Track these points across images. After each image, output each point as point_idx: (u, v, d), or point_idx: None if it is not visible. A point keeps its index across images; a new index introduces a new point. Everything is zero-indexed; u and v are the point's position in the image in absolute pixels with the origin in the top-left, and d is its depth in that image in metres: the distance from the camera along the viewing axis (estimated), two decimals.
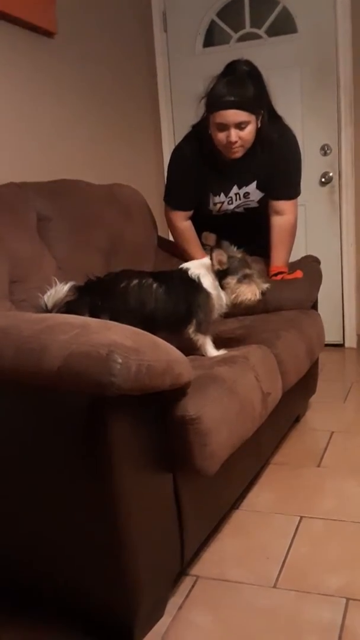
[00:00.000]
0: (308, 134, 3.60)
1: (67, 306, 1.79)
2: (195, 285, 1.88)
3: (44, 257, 2.06)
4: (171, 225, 2.68)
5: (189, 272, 1.90)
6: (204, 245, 2.67)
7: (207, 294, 1.88)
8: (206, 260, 1.93)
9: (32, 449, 1.33)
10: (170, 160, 2.63)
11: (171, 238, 2.84)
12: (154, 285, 1.82)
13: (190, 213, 2.64)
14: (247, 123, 2.32)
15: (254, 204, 2.61)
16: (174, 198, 2.64)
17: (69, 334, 1.19)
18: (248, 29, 3.72)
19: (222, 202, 2.59)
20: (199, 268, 1.92)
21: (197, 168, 2.51)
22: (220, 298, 1.89)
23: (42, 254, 2.06)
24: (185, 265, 1.96)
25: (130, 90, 3.55)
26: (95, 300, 1.78)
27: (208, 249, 1.95)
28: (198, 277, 1.88)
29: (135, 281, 1.81)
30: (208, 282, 1.89)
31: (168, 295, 1.83)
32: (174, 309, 1.83)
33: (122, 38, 3.45)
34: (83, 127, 3.06)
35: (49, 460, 1.31)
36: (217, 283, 1.89)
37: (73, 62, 2.96)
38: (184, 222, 2.63)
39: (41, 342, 1.19)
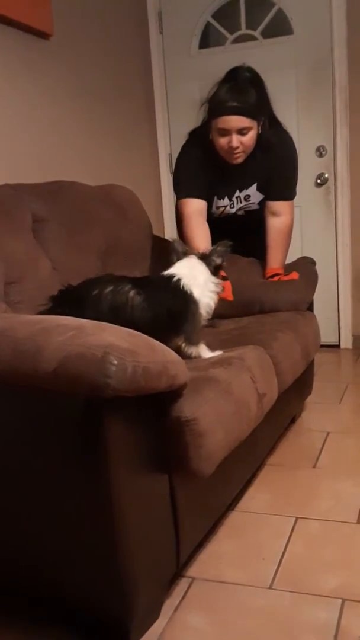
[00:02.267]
0: (303, 135, 3.60)
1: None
2: (185, 297, 1.82)
3: (39, 259, 2.06)
4: (181, 214, 2.54)
5: (181, 283, 1.82)
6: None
7: (196, 305, 1.83)
8: (194, 261, 1.93)
9: (28, 450, 1.32)
10: (179, 158, 2.59)
11: (170, 236, 2.82)
12: (131, 293, 1.73)
13: (201, 203, 2.53)
14: (248, 129, 2.33)
15: (255, 206, 2.62)
16: (184, 187, 2.55)
17: (65, 336, 1.19)
18: (243, 30, 3.73)
19: (225, 206, 2.60)
20: (190, 273, 1.86)
21: (204, 170, 2.51)
22: (208, 304, 1.88)
23: (37, 256, 2.06)
24: (173, 271, 1.88)
25: (126, 91, 3.56)
26: (64, 310, 1.67)
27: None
28: (189, 288, 1.83)
29: (109, 288, 1.73)
30: (198, 290, 1.85)
31: (148, 303, 1.74)
32: (153, 319, 1.74)
33: (118, 39, 3.45)
34: (79, 128, 3.06)
35: (44, 462, 1.31)
36: (211, 279, 1.91)
37: (69, 63, 2.96)
38: (194, 208, 2.52)
39: (37, 344, 1.19)
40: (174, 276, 1.85)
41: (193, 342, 1.83)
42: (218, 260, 1.95)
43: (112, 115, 3.37)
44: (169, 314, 1.78)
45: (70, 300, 1.73)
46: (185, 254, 1.97)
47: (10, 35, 2.55)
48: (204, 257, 1.95)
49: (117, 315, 1.69)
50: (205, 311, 1.89)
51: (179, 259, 1.96)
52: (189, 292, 1.83)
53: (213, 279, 1.93)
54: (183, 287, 1.83)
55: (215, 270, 1.95)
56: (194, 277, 1.87)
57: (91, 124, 3.16)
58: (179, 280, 1.84)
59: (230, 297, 2.28)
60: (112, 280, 1.77)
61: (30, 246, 2.05)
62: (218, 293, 1.95)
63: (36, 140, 2.72)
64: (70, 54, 2.97)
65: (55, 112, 2.86)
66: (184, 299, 1.82)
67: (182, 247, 2.01)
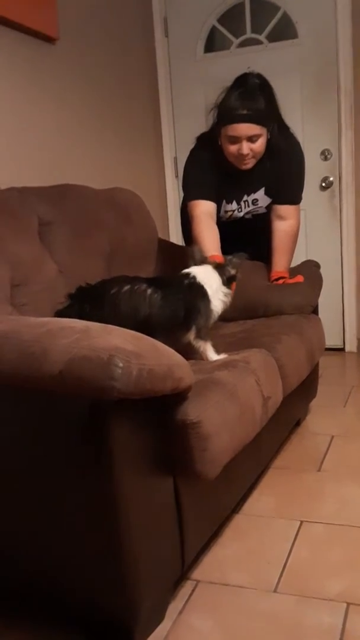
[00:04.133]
0: (308, 138, 3.60)
1: (57, 314, 1.78)
2: (200, 291, 1.90)
3: (45, 261, 2.06)
4: (190, 216, 2.52)
5: (197, 279, 1.91)
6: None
7: (209, 301, 1.91)
8: (209, 269, 1.98)
9: (33, 452, 1.33)
10: (188, 161, 2.59)
11: (179, 241, 2.81)
12: (149, 291, 1.80)
13: (210, 205, 2.52)
14: (258, 136, 2.34)
15: (262, 210, 2.62)
16: (194, 189, 2.55)
17: (70, 338, 1.19)
18: (249, 34, 3.73)
19: (233, 210, 2.60)
20: (204, 275, 1.94)
21: (213, 174, 2.51)
22: (217, 305, 1.94)
23: (43, 258, 2.06)
24: (189, 270, 1.96)
25: (132, 94, 3.56)
26: (83, 307, 1.76)
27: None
28: (203, 284, 1.91)
29: (127, 287, 1.79)
30: (211, 289, 1.92)
31: (165, 301, 1.81)
32: (171, 315, 1.82)
33: (123, 43, 3.46)
34: (84, 132, 3.07)
35: (49, 464, 1.31)
36: (222, 289, 1.96)
37: (74, 67, 2.97)
38: (204, 210, 2.50)
39: (42, 347, 1.19)
40: (189, 274, 1.93)
41: (203, 337, 1.88)
42: (232, 271, 1.99)
43: (117, 119, 3.38)
44: (183, 309, 1.84)
45: (89, 298, 1.79)
46: (202, 262, 2.02)
47: (16, 39, 2.56)
48: (219, 267, 2.00)
49: (136, 313, 1.77)
50: (216, 310, 1.94)
51: (195, 265, 2.01)
52: (204, 287, 1.91)
53: (224, 289, 1.97)
54: (198, 282, 1.91)
55: (228, 281, 1.99)
56: (208, 279, 1.94)
57: (96, 127, 3.17)
58: (194, 277, 1.92)
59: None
60: (128, 280, 1.83)
61: (36, 249, 2.05)
62: (226, 303, 1.99)
63: (42, 143, 2.73)
64: (76, 58, 2.98)
65: (61, 115, 2.87)
66: (199, 293, 1.90)
67: (200, 255, 2.05)
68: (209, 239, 2.44)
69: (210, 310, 1.92)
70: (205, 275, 1.95)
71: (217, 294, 1.95)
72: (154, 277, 1.93)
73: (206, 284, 1.92)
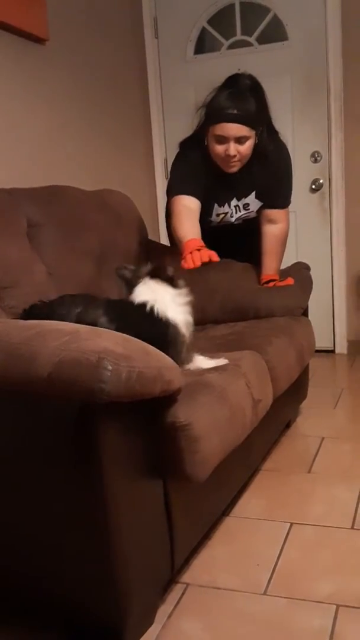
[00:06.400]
0: (298, 141, 3.62)
1: None
2: (160, 323, 1.68)
3: (34, 263, 2.05)
4: (171, 212, 2.40)
5: (154, 310, 1.69)
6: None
7: (175, 328, 1.70)
8: (151, 283, 1.78)
9: (22, 455, 1.32)
10: (173, 164, 2.53)
11: (165, 241, 2.80)
12: (101, 320, 1.60)
13: (193, 201, 2.38)
14: (247, 138, 2.30)
15: (253, 214, 2.60)
16: (177, 185, 2.43)
17: (59, 341, 1.19)
18: (239, 36, 3.74)
19: (226, 213, 2.57)
20: (157, 299, 1.73)
21: (201, 174, 2.43)
22: (185, 320, 1.74)
23: (32, 260, 2.05)
24: (142, 299, 1.73)
25: (122, 96, 3.56)
26: None
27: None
28: (164, 313, 1.69)
29: (77, 310, 1.61)
30: (171, 311, 1.71)
31: (119, 330, 1.46)
32: None
33: (114, 44, 3.46)
34: (74, 133, 3.06)
35: (38, 467, 1.30)
36: (176, 293, 1.78)
37: (64, 68, 2.96)
38: (185, 204, 2.37)
39: (31, 349, 1.19)
40: (146, 303, 1.70)
41: (183, 362, 1.71)
42: (170, 273, 1.81)
43: (107, 120, 3.37)
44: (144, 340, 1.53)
45: (36, 317, 1.56)
46: (137, 278, 1.80)
47: (6, 40, 2.55)
48: (156, 274, 1.80)
49: None
50: (186, 328, 1.74)
51: (132, 285, 1.80)
52: (164, 318, 1.68)
53: (176, 291, 1.79)
54: (157, 314, 1.68)
55: (172, 283, 1.80)
56: (162, 298, 1.73)
57: (86, 128, 3.17)
58: (152, 307, 1.69)
59: (216, 258, 2.07)
60: (86, 302, 1.66)
61: (25, 251, 2.04)
62: (189, 304, 1.80)
63: (31, 145, 2.72)
64: (66, 59, 2.97)
65: (51, 116, 2.86)
66: (161, 326, 1.68)
67: (129, 273, 1.84)
68: (188, 223, 2.29)
69: (180, 336, 1.71)
70: (157, 297, 1.73)
71: (176, 305, 1.75)
72: (116, 301, 1.75)
73: (165, 309, 1.70)
